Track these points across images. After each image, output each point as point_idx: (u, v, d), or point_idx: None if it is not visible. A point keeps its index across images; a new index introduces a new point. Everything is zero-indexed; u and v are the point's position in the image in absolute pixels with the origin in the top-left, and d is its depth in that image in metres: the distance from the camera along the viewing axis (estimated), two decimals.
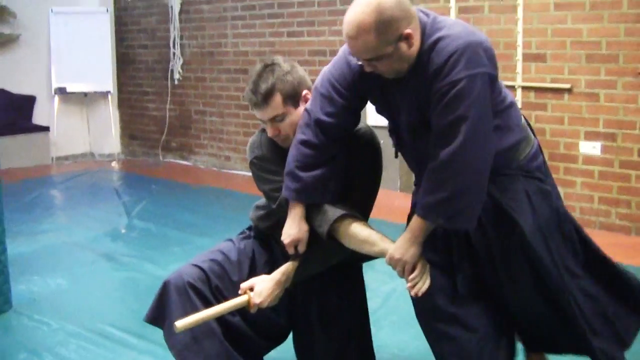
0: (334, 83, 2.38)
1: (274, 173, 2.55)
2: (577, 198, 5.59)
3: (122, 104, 9.43)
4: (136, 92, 9.22)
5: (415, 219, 2.29)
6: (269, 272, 2.57)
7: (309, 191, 2.43)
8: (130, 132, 9.41)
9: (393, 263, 2.31)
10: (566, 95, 5.54)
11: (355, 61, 2.31)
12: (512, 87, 5.76)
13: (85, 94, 8.92)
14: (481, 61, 2.15)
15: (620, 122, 5.32)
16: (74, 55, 8.66)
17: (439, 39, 2.17)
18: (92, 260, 4.81)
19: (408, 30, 2.15)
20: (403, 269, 2.30)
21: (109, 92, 8.97)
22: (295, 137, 2.46)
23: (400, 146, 2.52)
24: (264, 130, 2.63)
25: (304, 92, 2.51)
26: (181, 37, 8.52)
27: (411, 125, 2.36)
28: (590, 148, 5.48)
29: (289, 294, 2.64)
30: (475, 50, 2.14)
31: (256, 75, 2.49)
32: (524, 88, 5.74)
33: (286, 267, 2.54)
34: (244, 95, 2.53)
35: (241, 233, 2.93)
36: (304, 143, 2.42)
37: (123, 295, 4.23)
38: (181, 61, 8.53)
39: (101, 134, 9.22)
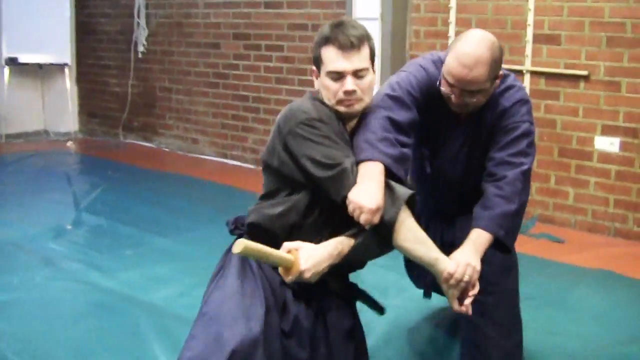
0: (413, 84, 2.45)
1: (331, 139, 2.19)
2: (590, 200, 4.93)
3: (80, 78, 8.63)
4: (96, 65, 8.43)
5: (478, 232, 2.34)
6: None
7: (403, 162, 2.30)
8: (89, 109, 8.62)
9: (454, 279, 2.19)
10: (582, 83, 4.86)
11: (445, 90, 2.41)
12: (520, 72, 5.07)
13: (40, 66, 8.12)
14: (532, 116, 2.54)
15: None
16: (27, 22, 7.83)
17: (509, 87, 2.51)
18: (26, 266, 4.03)
19: (502, 72, 2.43)
20: (463, 285, 2.22)
21: (66, 64, 8.26)
22: (377, 112, 2.32)
23: (425, 172, 2.72)
24: (314, 99, 2.30)
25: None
26: (147, 6, 7.74)
27: (461, 155, 2.61)
28: (608, 144, 4.82)
29: (312, 325, 2.24)
30: (531, 105, 2.56)
31: (341, 22, 2.26)
32: (533, 73, 5.05)
33: (341, 241, 2.18)
34: (319, 39, 2.26)
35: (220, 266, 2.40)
36: (393, 121, 2.33)
37: (55, 315, 3.44)
38: (146, 32, 7.76)
39: (57, 110, 8.46)
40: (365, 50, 2.23)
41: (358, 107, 2.25)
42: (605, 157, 4.84)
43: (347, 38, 2.18)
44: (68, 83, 8.37)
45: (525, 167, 2.44)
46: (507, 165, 2.42)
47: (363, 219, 2.10)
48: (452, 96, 2.38)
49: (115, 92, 8.24)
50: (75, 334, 3.18)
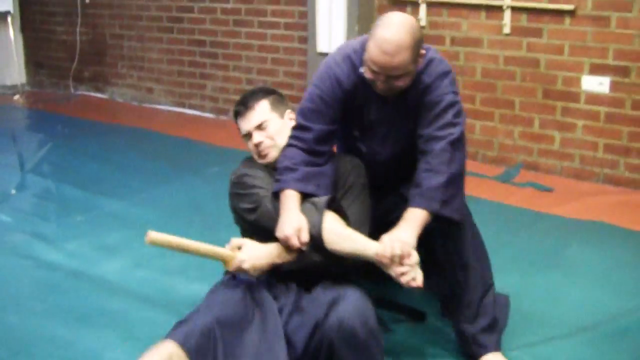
0: (324, 97, 2.51)
1: (256, 187, 2.51)
2: (577, 144, 4.60)
3: (25, 26, 8.00)
4: (41, 12, 7.81)
5: (410, 211, 2.36)
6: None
7: (307, 180, 2.45)
8: (36, 59, 8.03)
9: (385, 258, 2.19)
10: (567, 19, 4.48)
11: (370, 77, 2.40)
12: (500, 8, 4.67)
13: None
14: (456, 85, 2.53)
15: (636, 54, 4.30)
16: None
17: (429, 62, 2.47)
18: None
19: (423, 51, 2.40)
20: (397, 258, 2.19)
21: (8, 12, 7.61)
22: (285, 147, 2.54)
23: (362, 152, 2.68)
24: (249, 159, 2.66)
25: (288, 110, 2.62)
26: None
27: (391, 135, 2.61)
28: (596, 84, 4.47)
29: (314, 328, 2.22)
30: (454, 75, 2.53)
31: (241, 96, 2.65)
32: (514, 9, 4.65)
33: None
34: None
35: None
36: (296, 147, 2.51)
37: None
38: None
39: (2, 61, 7.85)
40: (260, 106, 2.54)
41: (274, 153, 2.53)
42: (594, 99, 4.49)
43: (241, 105, 2.56)
44: (12, 32, 7.75)
45: (453, 137, 2.43)
46: (435, 140, 2.43)
47: (292, 243, 2.29)
48: (378, 82, 2.39)
49: (63, 41, 7.66)
50: (13, 321, 2.79)
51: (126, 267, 3.30)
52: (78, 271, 3.24)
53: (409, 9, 5.09)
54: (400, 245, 2.18)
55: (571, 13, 4.44)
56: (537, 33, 4.59)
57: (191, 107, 6.69)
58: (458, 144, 2.43)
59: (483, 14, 4.78)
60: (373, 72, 2.36)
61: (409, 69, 2.35)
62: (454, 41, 4.95)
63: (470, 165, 4.84)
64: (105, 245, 3.55)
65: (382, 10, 5.20)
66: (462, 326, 2.54)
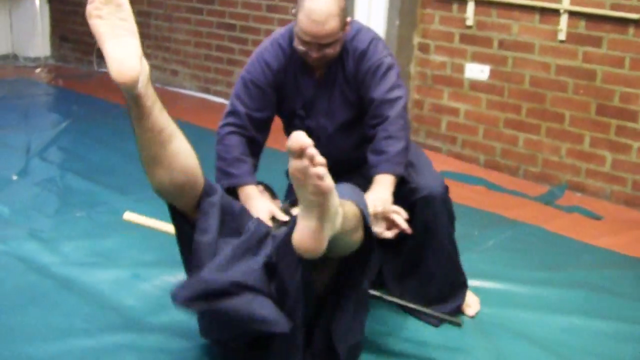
0: (255, 81, 2.65)
1: None
2: (630, 168, 4.18)
3: None
4: None
5: (379, 177, 2.52)
6: None
7: (255, 171, 2.68)
8: (61, 32, 7.74)
9: (370, 209, 2.31)
10: (631, 29, 4.06)
11: (302, 48, 2.53)
12: (556, 12, 4.25)
13: None
14: (388, 49, 2.70)
15: None
16: None
17: (358, 31, 2.65)
18: None
19: (349, 18, 2.57)
20: (380, 216, 2.44)
21: None
22: (221, 132, 2.68)
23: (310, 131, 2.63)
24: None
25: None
26: None
27: (334, 107, 2.71)
28: None
29: None
30: (382, 39, 2.70)
31: None
32: (571, 14, 4.23)
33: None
34: None
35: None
36: (237, 134, 2.64)
37: None
38: None
39: (26, 32, 7.63)
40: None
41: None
42: None
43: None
44: (37, 2, 7.49)
45: (403, 101, 2.58)
46: (388, 104, 2.56)
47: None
48: (310, 52, 2.51)
49: None
50: None
51: (124, 278, 2.96)
52: (70, 279, 2.91)
53: (455, 5, 4.68)
54: (381, 204, 2.43)
55: (636, 23, 4.01)
56: (596, 42, 4.17)
57: (216, 93, 6.34)
58: (406, 106, 2.61)
59: (537, 16, 4.37)
60: (305, 42, 2.49)
61: (339, 36, 2.50)
62: (502, 44, 4.54)
63: (511, 182, 4.49)
64: (103, 249, 3.21)
65: (426, 5, 4.81)
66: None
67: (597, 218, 3.98)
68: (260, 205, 2.52)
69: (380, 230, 2.45)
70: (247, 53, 5.96)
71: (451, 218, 2.73)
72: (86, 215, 3.58)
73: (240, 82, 2.68)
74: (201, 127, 5.32)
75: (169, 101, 6.04)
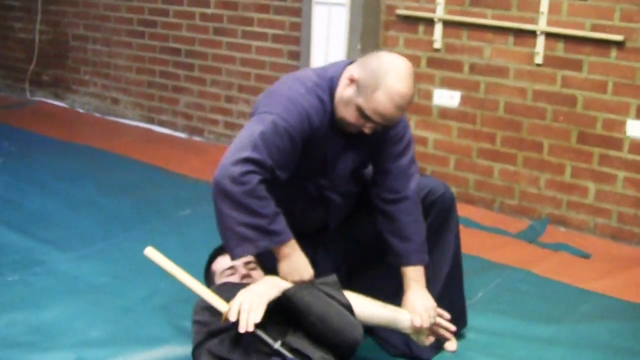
0: (293, 134, 2.23)
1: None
2: (615, 199, 3.89)
3: None
4: None
5: (413, 270, 2.46)
6: None
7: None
8: None
9: (426, 321, 2.35)
10: (614, 51, 3.78)
11: (358, 123, 2.31)
12: (532, 33, 3.95)
13: None
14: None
15: None
16: None
17: None
18: None
19: None
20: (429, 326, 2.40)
21: None
22: (249, 181, 2.13)
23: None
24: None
25: None
26: None
27: (349, 171, 2.51)
28: None
29: None
30: None
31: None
32: (549, 35, 3.93)
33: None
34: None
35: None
36: (263, 182, 2.17)
37: None
38: None
39: None
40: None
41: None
42: None
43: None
44: None
45: (417, 178, 2.50)
46: (405, 178, 2.46)
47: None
48: (364, 129, 2.31)
49: (21, 39, 6.81)
50: None
51: None
52: None
53: (421, 27, 4.35)
54: (434, 314, 2.40)
55: (619, 45, 3.73)
56: (576, 66, 3.88)
57: (161, 123, 5.89)
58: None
59: (511, 38, 4.05)
60: (368, 119, 2.26)
61: None
62: (473, 69, 4.22)
63: (487, 217, 4.16)
64: (42, 324, 2.75)
65: (389, 26, 4.46)
66: None
67: (585, 256, 3.68)
68: (302, 259, 2.33)
69: (423, 339, 2.44)
70: (194, 79, 5.57)
71: (457, 232, 2.69)
72: (19, 279, 3.12)
73: (271, 128, 2.18)
74: (144, 163, 4.88)
75: (110, 133, 5.61)
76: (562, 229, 4.03)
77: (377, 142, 2.46)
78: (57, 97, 6.62)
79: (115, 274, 3.17)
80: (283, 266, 2.30)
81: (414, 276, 2.46)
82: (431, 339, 2.44)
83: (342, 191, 2.59)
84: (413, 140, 2.53)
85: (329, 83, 2.33)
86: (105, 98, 6.27)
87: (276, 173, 2.20)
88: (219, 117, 5.52)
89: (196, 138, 5.63)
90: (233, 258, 2.25)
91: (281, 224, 2.22)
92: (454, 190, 4.30)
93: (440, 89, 4.36)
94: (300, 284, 2.28)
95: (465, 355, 2.67)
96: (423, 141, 4.49)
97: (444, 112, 4.38)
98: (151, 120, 5.95)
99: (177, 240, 3.56)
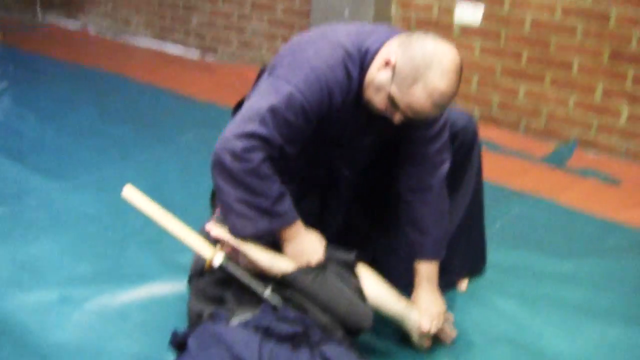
0: (309, 112, 1.95)
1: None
2: None
3: None
4: None
5: (426, 266, 2.23)
6: None
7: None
8: None
9: (433, 328, 2.13)
10: None
11: (388, 112, 1.99)
12: None
13: None
14: None
15: None
16: None
17: None
18: None
19: None
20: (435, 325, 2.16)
21: None
22: (252, 159, 1.89)
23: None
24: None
25: None
26: None
27: (369, 149, 2.26)
28: None
29: None
30: None
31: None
32: None
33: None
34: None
35: None
36: (266, 160, 1.92)
37: None
38: None
39: None
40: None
41: None
42: None
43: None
44: None
45: (447, 165, 2.21)
46: (432, 166, 2.19)
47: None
48: (394, 118, 2.00)
49: None
50: None
51: (48, 304, 2.38)
52: None
53: None
54: (442, 318, 2.17)
55: None
56: None
57: (174, 42, 5.66)
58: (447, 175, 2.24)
59: None
60: (400, 111, 1.95)
61: None
62: None
63: (511, 140, 3.90)
64: (27, 260, 2.59)
65: None
66: None
67: (615, 183, 3.42)
68: (309, 242, 2.06)
69: (423, 341, 2.18)
70: None
71: (479, 168, 2.44)
72: (9, 211, 2.96)
73: (285, 102, 1.93)
74: (154, 85, 4.67)
75: (121, 54, 5.39)
76: (591, 153, 3.78)
77: (405, 123, 2.12)
78: (69, 16, 6.39)
79: (108, 204, 2.99)
80: (288, 249, 2.05)
81: (427, 274, 2.23)
82: (429, 343, 2.20)
83: (357, 168, 2.33)
84: (448, 122, 2.20)
85: (362, 56, 2.00)
86: (117, 18, 6.03)
87: (285, 149, 1.97)
88: (233, 35, 5.26)
89: (209, 58, 5.39)
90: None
91: (285, 205, 1.98)
92: (476, 111, 4.07)
93: (463, 2, 4.04)
94: (306, 267, 2.05)
95: (477, 295, 2.48)
96: None
97: (466, 30, 4.08)
98: (163, 39, 5.71)
99: (178, 167, 3.38)
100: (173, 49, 5.62)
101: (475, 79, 4.13)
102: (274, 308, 1.96)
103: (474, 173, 2.42)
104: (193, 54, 5.50)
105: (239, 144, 1.89)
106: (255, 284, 2.01)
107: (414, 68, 1.88)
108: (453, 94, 1.92)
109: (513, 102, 4.02)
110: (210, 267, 2.06)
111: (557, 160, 3.65)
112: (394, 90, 1.92)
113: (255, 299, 2.01)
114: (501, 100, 4.06)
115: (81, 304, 2.35)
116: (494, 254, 2.66)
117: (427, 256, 2.22)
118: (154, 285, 2.47)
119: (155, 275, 2.52)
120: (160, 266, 2.57)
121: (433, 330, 2.13)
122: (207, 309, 2.05)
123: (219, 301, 2.07)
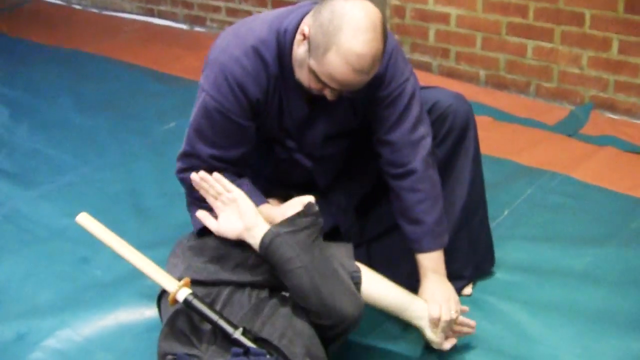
0: (225, 113, 1.88)
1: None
2: None
3: None
4: None
5: (428, 257, 2.01)
6: None
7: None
8: None
9: (444, 322, 1.91)
10: None
11: (316, 88, 1.81)
12: None
13: None
14: (406, 60, 2.01)
15: None
16: None
17: None
18: None
19: None
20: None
21: None
22: (185, 180, 1.95)
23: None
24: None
25: None
26: None
27: (324, 137, 2.04)
28: None
29: None
30: (401, 49, 1.99)
31: None
32: None
33: None
34: None
35: None
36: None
37: None
38: None
39: None
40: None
41: None
42: None
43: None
44: None
45: (428, 140, 2.00)
46: (410, 148, 1.98)
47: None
48: (325, 93, 1.81)
49: None
50: None
51: (5, 343, 2.14)
52: None
53: None
54: (456, 306, 1.95)
55: None
56: None
57: (161, 15, 5.33)
58: (431, 143, 2.02)
59: None
60: (325, 85, 1.78)
61: None
62: None
63: (521, 105, 3.58)
64: None
65: None
66: None
67: (637, 151, 3.10)
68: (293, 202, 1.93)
69: (440, 340, 1.95)
70: None
71: (477, 155, 2.18)
72: None
73: (201, 111, 1.90)
74: (136, 65, 4.36)
75: (106, 31, 5.09)
76: (608, 114, 3.44)
77: (363, 105, 1.99)
78: None
79: (75, 215, 2.73)
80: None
81: (431, 265, 2.02)
82: (453, 342, 1.97)
83: (317, 156, 2.10)
84: (418, 89, 2.00)
85: (279, 38, 1.85)
86: None
87: (224, 156, 1.93)
88: (221, 2, 4.94)
89: (198, 28, 5.08)
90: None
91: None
92: (482, 74, 3.75)
93: None
94: (299, 251, 1.77)
95: (481, 301, 2.21)
96: (445, 18, 3.86)
97: None
98: (150, 12, 5.39)
99: (154, 164, 3.11)
100: (160, 21, 5.30)
101: (479, 39, 3.78)
102: (245, 353, 1.70)
103: (470, 160, 2.16)
104: (181, 24, 5.18)
105: (177, 165, 2.00)
106: (224, 324, 1.76)
107: (324, 34, 1.72)
108: (375, 55, 1.73)
109: (521, 62, 3.68)
110: (174, 302, 1.82)
111: (571, 127, 3.32)
112: (312, 63, 1.76)
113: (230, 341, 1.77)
114: (508, 60, 3.72)
115: (40, 342, 2.12)
116: (501, 249, 2.38)
117: (426, 248, 2.02)
118: (122, 311, 2.23)
119: (123, 299, 2.27)
120: (129, 288, 2.32)
121: (445, 315, 1.91)
122: (176, 349, 1.80)
123: (191, 341, 1.82)
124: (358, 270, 1.89)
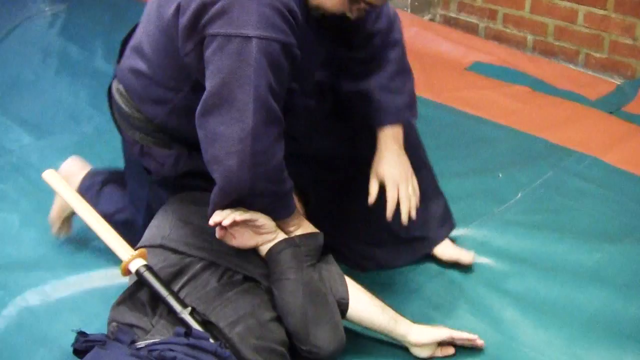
0: (294, 51, 1.62)
1: None
2: None
3: None
4: None
5: (391, 128, 1.93)
6: None
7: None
8: None
9: (399, 185, 1.87)
10: None
11: (343, 8, 1.66)
12: None
13: None
14: None
15: None
16: None
17: None
18: None
19: None
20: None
21: None
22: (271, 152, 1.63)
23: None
24: None
25: None
26: None
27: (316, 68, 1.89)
28: None
29: None
30: None
31: None
32: None
33: None
34: None
35: None
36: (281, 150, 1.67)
37: None
38: None
39: None
40: None
41: None
42: None
43: None
44: None
45: (401, 39, 1.95)
46: (386, 34, 1.90)
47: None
48: (352, 12, 1.68)
49: None
50: None
51: None
52: None
53: None
54: (410, 186, 1.91)
55: None
56: None
57: None
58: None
59: None
60: (363, 1, 1.65)
61: None
62: None
63: (567, 75, 3.34)
64: None
65: None
66: None
67: None
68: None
69: (427, 355, 1.84)
70: None
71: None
72: None
73: (259, 58, 1.55)
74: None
75: None
76: None
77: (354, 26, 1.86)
78: None
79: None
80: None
81: (393, 133, 1.92)
82: (450, 351, 1.84)
83: (308, 95, 1.93)
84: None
85: None
86: None
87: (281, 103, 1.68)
88: None
89: None
90: None
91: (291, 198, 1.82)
92: (530, 39, 3.55)
93: None
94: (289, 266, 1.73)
95: (470, 290, 2.05)
96: None
97: None
98: None
99: None
100: None
101: (528, 1, 3.54)
102: (187, 333, 1.62)
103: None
104: None
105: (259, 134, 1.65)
106: (172, 300, 1.68)
107: None
108: None
109: (571, 28, 3.43)
110: (127, 272, 1.75)
111: (613, 103, 3.08)
112: None
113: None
114: (557, 25, 3.48)
115: (13, 297, 2.08)
116: (504, 237, 2.22)
117: (405, 116, 1.96)
118: (97, 275, 2.18)
119: (102, 262, 2.21)
120: (109, 252, 2.26)
121: (403, 192, 1.86)
122: (126, 317, 1.74)
123: (145, 311, 1.75)
124: (346, 297, 1.79)
